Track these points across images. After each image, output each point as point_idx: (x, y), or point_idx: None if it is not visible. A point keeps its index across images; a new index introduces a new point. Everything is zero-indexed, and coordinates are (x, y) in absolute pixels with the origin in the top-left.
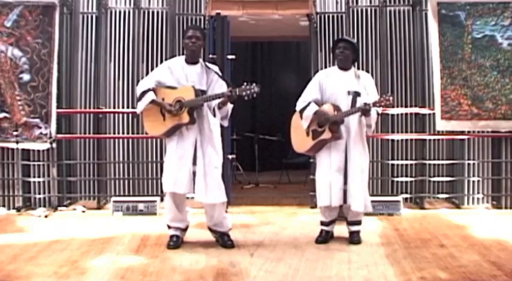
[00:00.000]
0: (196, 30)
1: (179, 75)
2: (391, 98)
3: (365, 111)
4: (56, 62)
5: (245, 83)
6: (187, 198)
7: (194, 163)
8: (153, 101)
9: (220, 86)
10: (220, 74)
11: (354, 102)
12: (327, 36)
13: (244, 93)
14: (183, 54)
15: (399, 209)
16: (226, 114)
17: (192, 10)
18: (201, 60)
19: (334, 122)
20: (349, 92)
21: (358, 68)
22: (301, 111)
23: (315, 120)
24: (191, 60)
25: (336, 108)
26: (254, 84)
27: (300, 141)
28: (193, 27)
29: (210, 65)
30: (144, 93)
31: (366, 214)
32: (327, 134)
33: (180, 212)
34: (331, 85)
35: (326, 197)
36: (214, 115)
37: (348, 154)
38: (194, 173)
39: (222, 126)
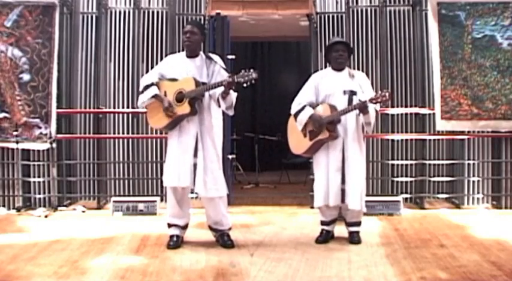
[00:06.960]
0: (193, 26)
1: (179, 69)
2: (387, 94)
3: (361, 108)
4: (56, 62)
5: (243, 70)
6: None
7: (195, 155)
8: (155, 96)
9: (221, 77)
10: (221, 63)
11: (350, 101)
12: (327, 36)
13: (242, 79)
14: (183, 51)
15: (399, 209)
16: (231, 104)
17: (192, 10)
18: (201, 52)
19: (331, 121)
20: (344, 92)
21: (358, 68)
22: (296, 114)
23: (310, 123)
24: (190, 54)
25: (333, 108)
26: (252, 70)
27: (297, 143)
28: (190, 23)
29: (212, 56)
30: (147, 87)
31: (366, 214)
32: (324, 134)
33: (181, 208)
34: (327, 86)
35: (322, 198)
36: (220, 106)
37: (345, 153)
38: (195, 166)
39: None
